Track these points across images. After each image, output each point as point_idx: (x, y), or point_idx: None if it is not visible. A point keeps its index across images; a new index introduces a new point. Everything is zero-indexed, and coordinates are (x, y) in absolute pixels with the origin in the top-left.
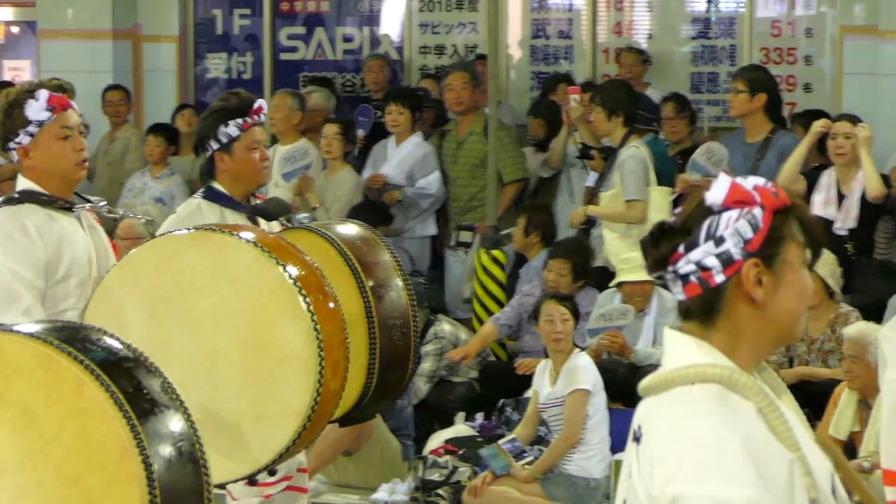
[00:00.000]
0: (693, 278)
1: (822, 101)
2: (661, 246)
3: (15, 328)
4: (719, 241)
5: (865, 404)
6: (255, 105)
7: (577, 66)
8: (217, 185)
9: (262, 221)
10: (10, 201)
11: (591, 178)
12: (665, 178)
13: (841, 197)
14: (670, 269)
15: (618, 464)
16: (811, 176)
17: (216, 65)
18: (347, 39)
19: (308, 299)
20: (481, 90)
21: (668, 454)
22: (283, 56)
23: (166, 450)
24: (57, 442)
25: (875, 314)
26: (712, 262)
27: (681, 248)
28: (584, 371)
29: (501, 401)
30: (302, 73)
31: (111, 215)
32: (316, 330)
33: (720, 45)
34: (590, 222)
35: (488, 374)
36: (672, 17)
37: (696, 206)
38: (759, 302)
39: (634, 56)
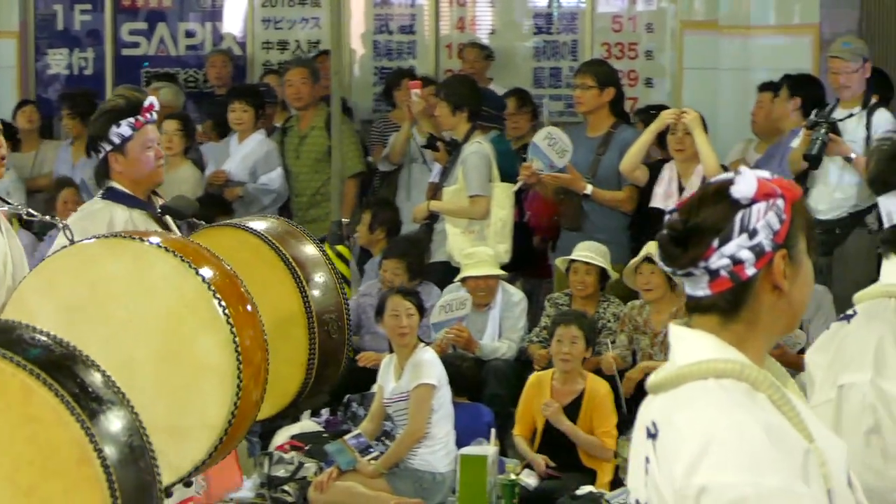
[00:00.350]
0: (724, 272)
1: (662, 95)
2: (692, 244)
3: None
4: (753, 233)
5: None
6: (146, 103)
7: (420, 62)
8: (117, 185)
9: (171, 221)
10: None
11: (435, 173)
12: (508, 175)
13: (681, 190)
14: (701, 265)
15: (463, 458)
16: (651, 168)
17: (57, 60)
18: (190, 35)
19: (228, 310)
20: (321, 85)
21: (690, 446)
22: (126, 52)
23: (119, 448)
24: (7, 450)
25: None
26: (746, 254)
27: (714, 243)
28: (428, 366)
29: (347, 396)
30: (143, 68)
31: (31, 218)
32: (235, 342)
33: (562, 41)
34: (433, 217)
35: None
36: (514, 13)
37: (716, 201)
38: (784, 292)
39: (477, 51)
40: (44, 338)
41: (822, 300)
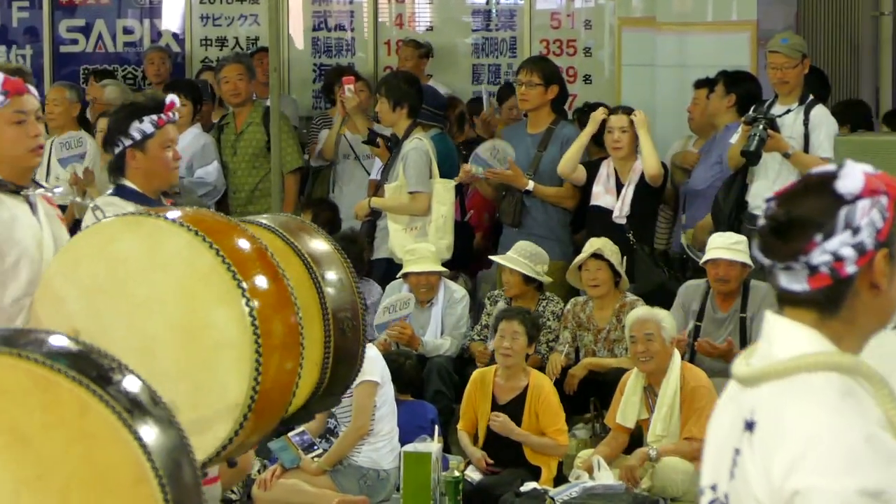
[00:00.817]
0: (824, 269)
1: (601, 92)
2: (793, 236)
3: (3, 349)
4: (856, 230)
5: (652, 391)
6: (168, 101)
7: (358, 59)
8: (128, 183)
9: None
10: None
11: (377, 170)
12: (449, 172)
13: (620, 186)
14: (802, 259)
15: (407, 455)
16: (590, 166)
17: None
18: (128, 32)
19: (244, 283)
20: (258, 81)
21: (792, 444)
22: (63, 49)
23: (172, 466)
24: (59, 469)
25: (656, 302)
26: (848, 252)
27: (817, 238)
28: (370, 362)
29: None
30: (82, 65)
31: (64, 201)
32: (252, 315)
33: (501, 37)
34: (375, 214)
35: None
36: (453, 10)
37: (818, 194)
38: (882, 291)
39: (412, 49)
40: (95, 353)
41: (765, 296)
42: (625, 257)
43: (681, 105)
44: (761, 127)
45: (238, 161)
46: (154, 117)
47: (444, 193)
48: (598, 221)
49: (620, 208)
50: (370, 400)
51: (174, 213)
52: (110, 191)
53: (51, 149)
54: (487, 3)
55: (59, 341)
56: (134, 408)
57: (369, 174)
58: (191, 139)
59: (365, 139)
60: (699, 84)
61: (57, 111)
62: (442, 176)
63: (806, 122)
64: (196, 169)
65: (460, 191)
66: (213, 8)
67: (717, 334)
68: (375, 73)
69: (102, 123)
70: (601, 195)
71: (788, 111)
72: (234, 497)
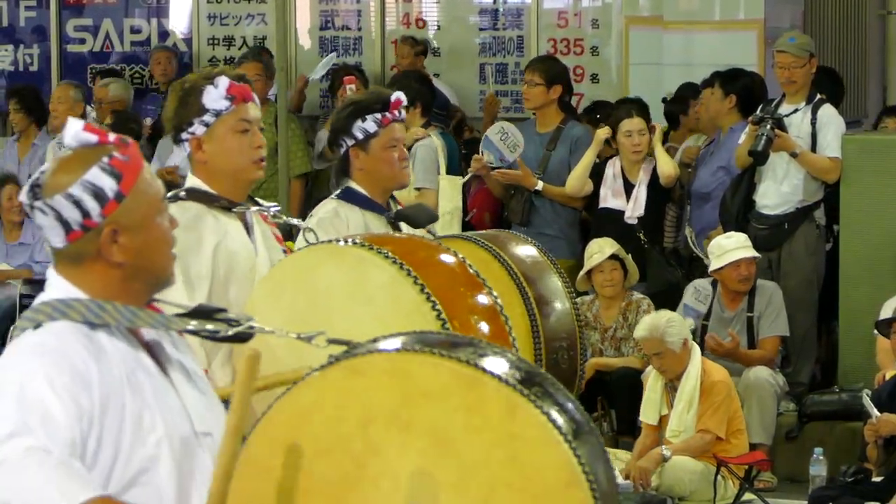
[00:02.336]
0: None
1: (608, 91)
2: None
3: (424, 349)
4: None
5: (672, 387)
6: (394, 99)
7: (365, 58)
8: (354, 185)
9: (405, 228)
10: (172, 199)
11: None
12: (452, 171)
13: (629, 187)
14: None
15: None
16: (594, 169)
17: (2, 57)
18: (135, 31)
19: (450, 323)
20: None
21: None
22: (71, 48)
23: (601, 470)
24: (481, 472)
25: (666, 301)
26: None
27: None
28: None
29: None
30: (90, 65)
31: (278, 220)
32: None
33: (508, 36)
34: None
35: None
36: (460, 9)
37: None
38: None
39: (408, 46)
40: (510, 355)
41: (772, 295)
42: (629, 255)
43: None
44: (769, 127)
45: None
46: (378, 116)
47: (450, 190)
48: (609, 223)
49: (633, 209)
50: None
51: (382, 243)
52: (336, 193)
53: (50, 152)
54: (494, 2)
55: (465, 341)
56: (560, 411)
57: None
58: None
59: None
60: (705, 84)
61: (60, 109)
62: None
63: (813, 122)
64: None
65: (463, 190)
66: (221, 7)
67: (724, 334)
68: (382, 72)
69: (109, 119)
70: (608, 197)
71: (796, 111)
72: None
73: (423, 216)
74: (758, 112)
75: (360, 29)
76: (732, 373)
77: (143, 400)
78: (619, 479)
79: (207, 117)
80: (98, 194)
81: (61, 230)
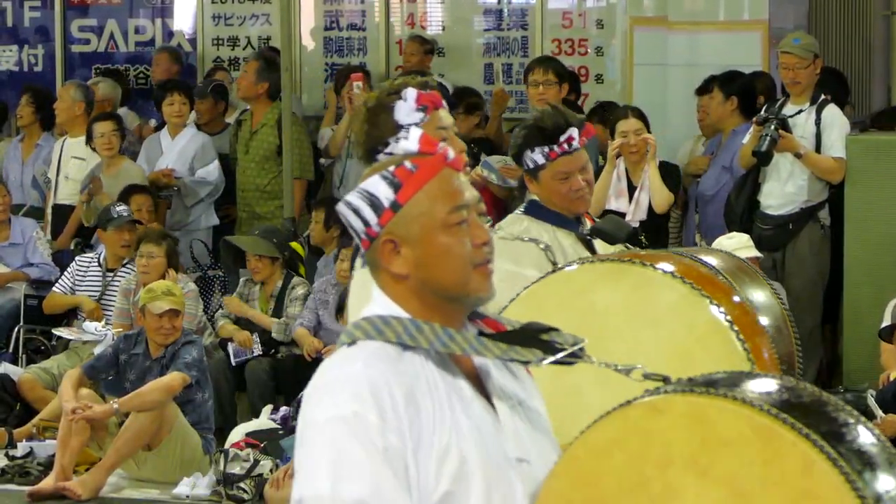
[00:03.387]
0: None
1: (613, 92)
2: None
3: (727, 394)
4: None
5: None
6: (566, 135)
7: (370, 58)
8: (540, 200)
9: (599, 245)
10: None
11: None
12: None
13: (632, 188)
14: None
15: None
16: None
17: (7, 57)
18: (140, 31)
19: (746, 345)
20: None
21: None
22: (75, 48)
23: None
24: None
25: None
26: None
27: None
28: None
29: (301, 393)
30: (94, 65)
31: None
32: None
33: (512, 37)
34: None
35: (290, 366)
36: (465, 9)
37: None
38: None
39: (417, 45)
40: (832, 406)
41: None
42: None
43: (692, 105)
44: (773, 127)
45: (248, 160)
46: (546, 149)
47: None
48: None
49: (634, 212)
50: None
51: (661, 262)
52: (522, 208)
53: (62, 148)
54: (499, 2)
55: (775, 387)
56: (865, 469)
57: None
58: (188, 139)
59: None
60: (703, 89)
61: (61, 107)
62: None
63: (818, 122)
64: (197, 169)
65: None
66: (225, 7)
67: None
68: (387, 72)
69: (101, 127)
70: (612, 199)
71: (800, 111)
72: (246, 497)
73: (621, 231)
74: (762, 113)
75: (364, 29)
76: None
77: (453, 427)
78: None
79: (403, 133)
80: (374, 203)
81: (356, 239)
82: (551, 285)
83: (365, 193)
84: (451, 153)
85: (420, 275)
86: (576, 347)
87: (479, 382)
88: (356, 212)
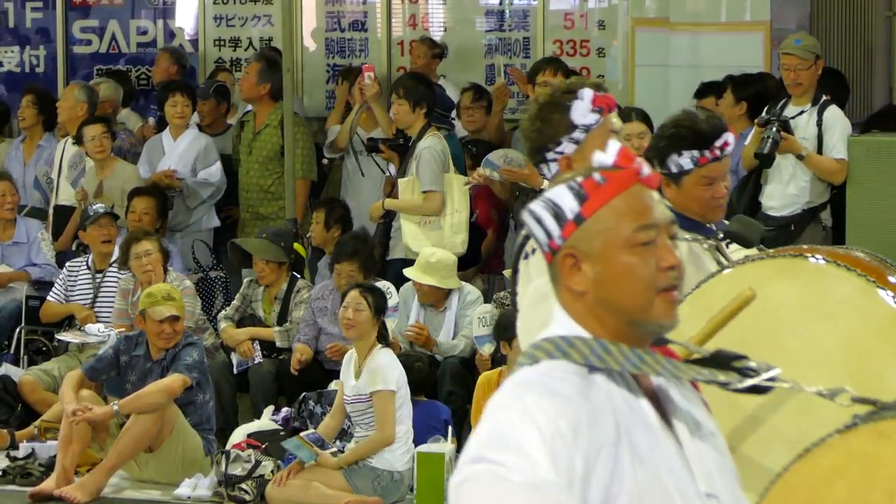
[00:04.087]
0: None
1: (615, 93)
2: None
3: None
4: None
5: None
6: (722, 140)
7: (372, 59)
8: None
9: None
10: None
11: (393, 170)
12: (459, 172)
13: None
14: None
15: (421, 455)
16: None
17: (8, 58)
18: (141, 32)
19: None
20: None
21: None
22: (77, 49)
23: None
24: None
25: None
26: None
27: None
28: (386, 370)
29: (303, 394)
30: (96, 66)
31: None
32: None
33: (514, 38)
34: (389, 215)
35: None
36: (466, 10)
37: None
38: None
39: (425, 47)
40: None
41: None
42: None
43: (694, 105)
44: (775, 129)
45: (252, 161)
46: (696, 153)
47: (458, 189)
48: None
49: None
50: (391, 407)
51: (826, 255)
52: None
53: (64, 149)
54: (501, 3)
55: None
56: None
57: (383, 172)
58: (190, 140)
59: (366, 150)
60: (702, 93)
61: (64, 106)
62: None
63: (819, 123)
64: (199, 170)
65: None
66: (227, 8)
67: None
68: (388, 73)
69: (91, 131)
70: None
71: (802, 112)
72: (247, 498)
73: (754, 234)
74: (763, 114)
75: (366, 30)
76: None
77: (637, 455)
78: None
79: (577, 134)
80: (558, 214)
81: (540, 250)
82: (722, 283)
83: (549, 203)
84: (647, 169)
85: (599, 293)
86: (772, 374)
87: (658, 405)
88: (539, 221)
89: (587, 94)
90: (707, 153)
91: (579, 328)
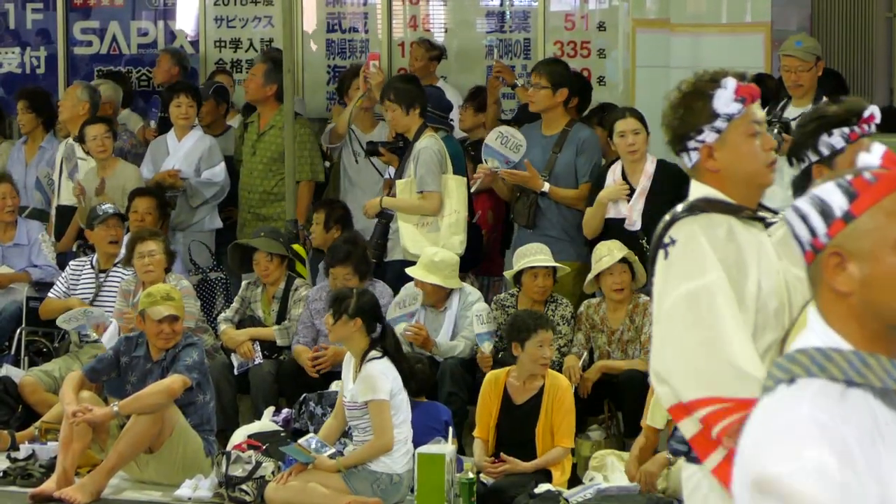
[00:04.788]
0: None
1: (615, 94)
2: None
3: None
4: None
5: None
6: (867, 113)
7: None
8: None
9: None
10: (691, 210)
11: (392, 170)
12: (458, 174)
13: (630, 190)
14: None
15: (421, 456)
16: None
17: (9, 59)
18: (142, 34)
19: None
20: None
21: None
22: (77, 51)
23: None
24: None
25: None
26: None
27: None
28: (378, 380)
29: (304, 395)
30: (96, 67)
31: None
32: None
33: (515, 39)
34: (387, 215)
35: (292, 368)
36: (467, 11)
37: None
38: None
39: (423, 49)
40: None
41: None
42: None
43: None
44: (776, 130)
45: (255, 162)
46: (846, 130)
47: (456, 190)
48: (613, 229)
49: (630, 217)
50: (387, 415)
51: None
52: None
53: (64, 150)
54: (501, 4)
55: None
56: None
57: (381, 175)
58: (195, 141)
59: (365, 154)
60: None
61: (66, 105)
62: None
63: None
64: (203, 170)
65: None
66: (228, 10)
67: None
68: (389, 74)
69: (92, 131)
70: (611, 206)
71: (802, 114)
72: (247, 499)
73: None
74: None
75: (366, 31)
76: None
77: (878, 476)
78: (626, 482)
79: (719, 123)
80: (825, 211)
81: (799, 250)
82: None
83: (816, 199)
84: None
85: (865, 295)
86: None
87: None
88: (804, 218)
89: (731, 83)
90: (856, 129)
91: (835, 335)
